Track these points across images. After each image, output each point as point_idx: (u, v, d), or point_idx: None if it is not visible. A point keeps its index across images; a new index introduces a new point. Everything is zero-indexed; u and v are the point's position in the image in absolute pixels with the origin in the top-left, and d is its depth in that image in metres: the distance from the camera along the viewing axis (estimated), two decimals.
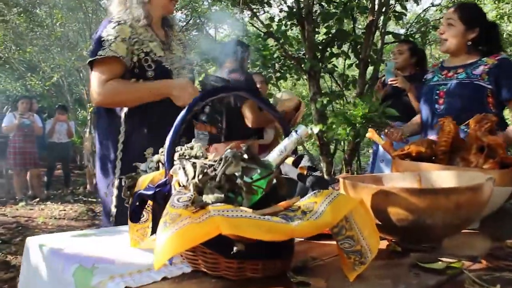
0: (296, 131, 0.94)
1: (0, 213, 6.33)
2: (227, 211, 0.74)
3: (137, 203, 0.85)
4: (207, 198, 0.76)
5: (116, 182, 1.95)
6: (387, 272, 0.99)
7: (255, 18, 6.38)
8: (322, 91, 6.12)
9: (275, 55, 6.60)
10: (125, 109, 1.96)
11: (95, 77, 1.88)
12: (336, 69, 6.26)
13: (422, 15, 7.15)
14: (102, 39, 1.86)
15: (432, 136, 2.29)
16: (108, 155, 1.99)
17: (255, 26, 7.01)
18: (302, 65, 5.88)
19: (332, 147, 6.37)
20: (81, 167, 12.21)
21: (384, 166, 4.01)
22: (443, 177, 1.34)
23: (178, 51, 2.12)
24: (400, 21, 6.96)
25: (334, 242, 0.92)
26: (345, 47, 6.21)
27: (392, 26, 8.92)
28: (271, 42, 6.78)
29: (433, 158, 1.53)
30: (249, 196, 0.80)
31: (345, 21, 5.93)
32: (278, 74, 6.39)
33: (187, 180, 0.78)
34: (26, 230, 5.43)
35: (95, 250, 1.03)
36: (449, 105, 2.36)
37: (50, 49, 8.60)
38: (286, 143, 0.93)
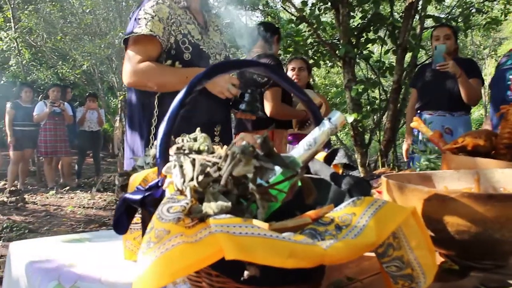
0: (329, 119, 0.73)
1: (31, 201, 6.34)
2: (234, 226, 0.54)
3: (124, 210, 0.66)
4: (208, 207, 0.56)
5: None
6: None
7: (287, 3, 6.12)
8: (357, 79, 5.83)
9: (308, 41, 6.35)
10: (158, 93, 1.86)
11: (129, 57, 1.80)
12: (372, 55, 5.95)
13: None
14: (139, 17, 1.79)
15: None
16: (139, 145, 1.88)
17: (287, 11, 6.76)
18: (337, 51, 5.60)
19: (367, 137, 6.08)
20: (113, 155, 12.30)
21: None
22: (509, 176, 1.10)
23: (216, 36, 2.02)
24: (441, 4, 6.55)
25: (374, 254, 0.71)
26: (381, 33, 5.90)
27: (431, 10, 8.49)
28: (304, 27, 6.53)
29: (493, 153, 1.29)
30: (266, 205, 0.60)
31: (382, 4, 5.61)
32: (311, 61, 6.13)
33: (184, 182, 0.59)
34: (54, 219, 5.41)
35: (82, 262, 0.85)
36: None
37: (81, 37, 8.56)
38: (316, 135, 0.72)
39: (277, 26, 3.83)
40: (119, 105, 8.66)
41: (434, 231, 0.88)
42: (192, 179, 0.59)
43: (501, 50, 16.70)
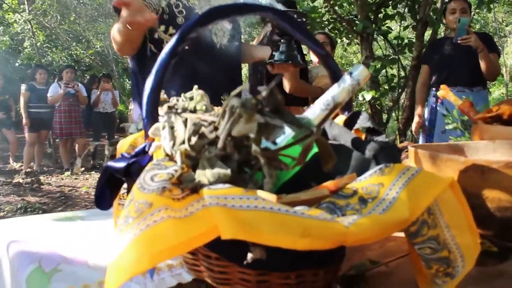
0: (350, 74, 0.61)
1: (46, 182, 6.34)
2: (233, 198, 0.43)
3: (106, 181, 0.56)
4: (203, 175, 0.45)
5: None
6: (489, 287, 0.66)
7: None
8: (375, 56, 5.64)
9: (324, 18, 6.15)
10: None
11: (116, 24, 1.64)
12: (390, 31, 5.75)
13: None
14: None
15: None
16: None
17: None
18: (354, 27, 5.41)
19: (385, 116, 5.91)
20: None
21: (453, 136, 3.57)
22: None
23: (216, 1, 1.84)
24: None
25: (401, 234, 0.60)
26: (400, 8, 5.68)
27: None
28: (319, 4, 6.33)
29: None
30: (274, 173, 0.49)
31: None
32: None
33: (173, 145, 0.48)
34: (69, 199, 5.40)
35: (68, 243, 0.75)
36: None
37: (95, 18, 8.46)
38: (335, 92, 0.60)
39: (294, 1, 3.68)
40: None
41: (471, 207, 0.77)
42: (183, 142, 0.48)
43: None
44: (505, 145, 1.04)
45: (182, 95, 0.61)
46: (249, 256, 0.50)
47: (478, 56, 3.19)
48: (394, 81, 5.85)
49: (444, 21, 3.89)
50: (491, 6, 6.62)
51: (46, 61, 10.97)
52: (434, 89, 3.62)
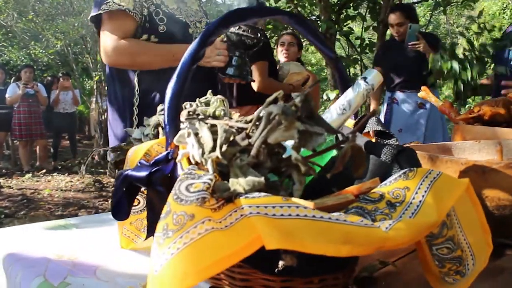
0: (364, 79, 0.61)
1: (6, 185, 6.10)
2: (273, 207, 0.43)
3: (124, 190, 0.54)
4: (237, 183, 0.44)
5: None
6: (493, 283, 0.68)
7: None
8: (338, 56, 5.74)
9: None
10: (138, 70, 1.73)
11: (106, 35, 1.66)
12: (352, 32, 5.87)
13: None
14: None
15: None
16: (121, 121, 1.77)
17: None
18: (318, 28, 5.48)
19: None
20: (90, 137, 12.01)
21: (407, 135, 3.70)
22: None
23: (194, 4, 1.86)
24: None
25: None
26: (362, 9, 5.81)
27: None
28: (282, 4, 6.38)
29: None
30: (303, 180, 0.48)
31: None
32: None
33: (203, 153, 0.47)
34: (31, 203, 5.21)
35: (71, 253, 0.73)
36: None
37: (53, 16, 8.19)
38: (350, 97, 0.61)
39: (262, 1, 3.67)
40: (94, 86, 8.37)
41: None
42: (213, 149, 0.47)
43: (474, 28, 16.82)
44: (489, 145, 1.08)
45: (197, 100, 0.60)
46: (281, 263, 0.49)
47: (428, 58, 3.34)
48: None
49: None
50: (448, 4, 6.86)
51: (3, 60, 10.54)
52: (390, 91, 3.75)
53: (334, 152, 0.54)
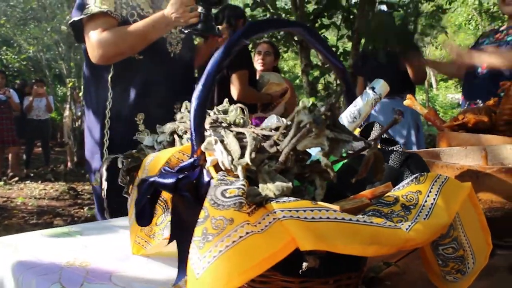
0: (373, 88, 0.65)
1: None
2: (304, 210, 0.45)
3: (148, 198, 0.55)
4: (267, 189, 0.47)
5: (106, 155, 1.77)
6: (487, 282, 0.72)
7: None
8: (313, 64, 5.86)
9: None
10: (112, 72, 1.75)
11: (89, 35, 1.67)
12: (327, 40, 5.99)
13: None
14: None
15: (468, 104, 2.09)
16: (96, 126, 1.79)
17: None
18: (295, 37, 5.57)
19: None
20: (62, 144, 11.80)
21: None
22: None
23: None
24: None
25: None
26: (336, 18, 5.94)
27: None
28: (258, 12, 6.44)
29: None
30: (325, 184, 0.51)
31: None
32: None
33: (231, 160, 0.49)
34: (4, 211, 5.10)
35: (82, 260, 0.73)
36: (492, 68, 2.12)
37: (25, 21, 8.05)
38: (360, 105, 0.64)
39: (242, 9, 3.71)
40: (68, 93, 8.24)
41: None
42: (241, 156, 0.49)
43: (441, 37, 17.36)
44: (475, 151, 1.13)
45: (215, 108, 0.62)
46: (304, 265, 0.52)
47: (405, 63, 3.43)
48: (332, 87, 6.10)
49: None
50: (419, 13, 7.08)
51: None
52: None
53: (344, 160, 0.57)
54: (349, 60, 5.50)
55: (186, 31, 1.78)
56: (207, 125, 0.56)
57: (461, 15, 15.92)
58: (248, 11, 6.24)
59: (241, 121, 0.58)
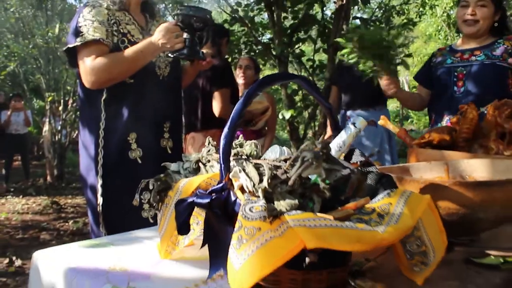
0: (354, 124, 0.84)
1: None
2: (308, 220, 0.64)
3: (188, 213, 0.73)
4: (280, 205, 0.65)
5: (101, 171, 1.91)
6: (445, 270, 0.92)
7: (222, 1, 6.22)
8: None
9: (242, 41, 6.47)
10: (104, 95, 1.89)
11: (83, 61, 1.81)
12: (304, 54, 6.23)
13: (385, 1, 7.20)
14: (79, 25, 1.82)
15: (448, 118, 2.30)
16: (90, 144, 1.93)
17: (223, 10, 6.83)
18: (272, 50, 5.79)
19: (301, 131, 6.33)
20: (39, 157, 11.73)
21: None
22: (474, 166, 1.28)
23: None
24: (366, 7, 6.94)
25: None
26: (313, 32, 6.17)
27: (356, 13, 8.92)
28: (237, 27, 6.64)
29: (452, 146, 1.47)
30: (320, 201, 0.70)
31: (313, 7, 5.87)
32: None
33: (254, 185, 0.67)
34: None
35: (121, 265, 0.90)
36: (470, 87, 2.32)
37: (4, 36, 8.08)
38: (344, 138, 0.83)
39: (226, 28, 3.89)
40: (47, 107, 8.27)
41: None
42: (260, 181, 0.67)
43: (412, 47, 17.93)
44: (438, 165, 1.33)
45: (233, 143, 0.80)
46: (307, 260, 0.70)
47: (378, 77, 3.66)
48: (309, 99, 6.32)
49: None
50: (390, 27, 7.43)
51: None
52: (344, 109, 4.09)
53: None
54: (325, 73, 5.72)
55: (172, 56, 1.92)
56: (231, 158, 0.74)
57: (431, 26, 16.47)
58: (226, 26, 6.45)
59: (255, 153, 0.77)
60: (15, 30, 7.58)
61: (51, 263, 0.95)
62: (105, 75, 1.80)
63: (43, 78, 8.10)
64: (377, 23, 6.49)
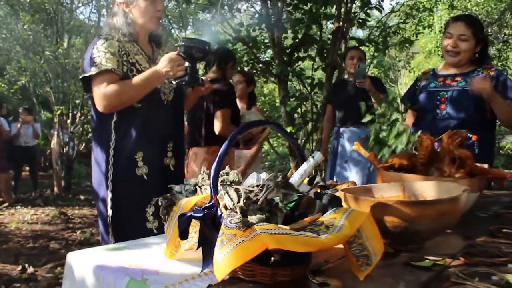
0: (313, 157, 1.12)
1: None
2: (271, 229, 0.91)
3: (188, 223, 1.01)
4: (252, 219, 0.93)
5: (110, 186, 2.16)
6: (386, 271, 1.18)
7: (225, 23, 6.54)
8: (290, 93, 6.36)
9: (244, 59, 6.77)
10: (115, 118, 2.15)
11: (97, 88, 2.08)
12: (303, 72, 6.52)
13: (383, 21, 7.49)
14: (93, 56, 2.08)
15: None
16: (102, 161, 2.19)
17: (225, 31, 7.15)
18: (271, 68, 6.09)
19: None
20: (46, 168, 12.01)
21: (352, 166, 4.29)
22: (424, 186, 1.55)
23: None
24: (363, 28, 7.24)
25: (338, 246, 1.11)
26: (312, 51, 6.45)
27: (353, 30, 9.23)
28: (239, 45, 6.94)
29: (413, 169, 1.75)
30: (282, 215, 0.97)
31: (312, 28, 6.15)
32: None
33: (233, 204, 0.95)
34: (1, 236, 5.39)
35: (135, 263, 1.17)
36: (452, 110, 2.59)
37: (15, 51, 8.44)
38: (305, 168, 1.11)
39: (232, 52, 4.18)
40: (55, 120, 8.58)
41: (378, 226, 1.29)
42: (238, 202, 0.95)
43: (414, 62, 18.23)
44: (396, 186, 1.60)
45: (222, 171, 1.08)
46: (272, 258, 0.97)
47: (371, 97, 3.94)
48: (308, 116, 6.61)
49: (343, 65, 4.66)
50: (387, 46, 7.74)
51: None
52: (338, 125, 4.37)
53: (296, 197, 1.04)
54: (323, 91, 5.98)
55: (175, 83, 2.19)
56: (219, 183, 1.02)
57: (431, 42, 16.76)
58: (230, 45, 6.76)
59: (237, 179, 1.05)
60: (26, 45, 7.93)
61: (82, 262, 1.23)
62: (116, 100, 2.07)
63: (52, 92, 8.44)
64: (373, 43, 6.80)
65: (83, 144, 9.10)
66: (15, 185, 8.38)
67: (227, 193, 0.97)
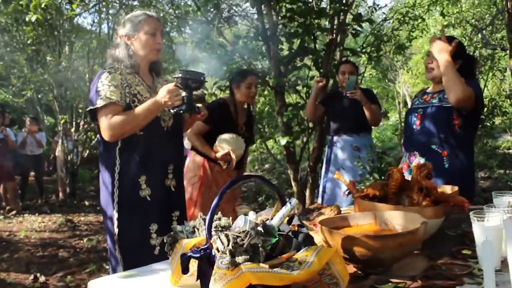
0: (290, 203, 1.37)
1: None
2: (253, 268, 1.16)
3: (188, 261, 1.26)
4: (239, 259, 1.17)
5: (116, 207, 2.39)
6: None
7: (221, 37, 6.77)
8: (287, 103, 6.58)
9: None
10: (119, 144, 2.39)
11: (102, 120, 2.30)
12: (299, 82, 6.74)
13: (375, 31, 7.71)
14: (98, 89, 2.31)
15: (408, 154, 2.87)
16: (108, 184, 2.43)
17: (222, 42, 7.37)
18: (267, 79, 6.31)
19: (298, 153, 6.83)
20: (49, 173, 12.26)
21: (344, 172, 4.52)
22: (393, 216, 1.79)
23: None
24: (356, 39, 7.44)
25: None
26: (307, 61, 6.66)
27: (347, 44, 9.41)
28: (236, 57, 7.16)
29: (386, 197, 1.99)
30: (264, 254, 1.22)
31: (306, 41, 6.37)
32: None
33: (224, 247, 1.20)
34: (10, 245, 5.63)
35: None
36: (424, 126, 2.84)
37: (20, 63, 8.69)
38: (284, 212, 1.36)
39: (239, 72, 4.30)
40: (59, 128, 8.83)
41: (349, 254, 1.53)
42: (228, 245, 1.20)
43: (412, 62, 18.44)
44: (369, 215, 1.85)
45: (215, 216, 1.33)
46: None
47: (363, 107, 4.17)
48: (304, 124, 6.82)
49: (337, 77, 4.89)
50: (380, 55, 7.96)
51: None
52: (332, 134, 4.60)
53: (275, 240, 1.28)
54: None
55: (173, 111, 2.38)
56: (213, 229, 1.26)
57: (427, 44, 16.94)
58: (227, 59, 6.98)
59: (227, 224, 1.29)
60: (30, 57, 8.17)
61: None
62: (120, 130, 2.30)
63: (55, 101, 8.68)
64: (367, 54, 7.03)
65: (87, 151, 9.34)
66: (21, 193, 8.63)
67: (219, 237, 1.22)
